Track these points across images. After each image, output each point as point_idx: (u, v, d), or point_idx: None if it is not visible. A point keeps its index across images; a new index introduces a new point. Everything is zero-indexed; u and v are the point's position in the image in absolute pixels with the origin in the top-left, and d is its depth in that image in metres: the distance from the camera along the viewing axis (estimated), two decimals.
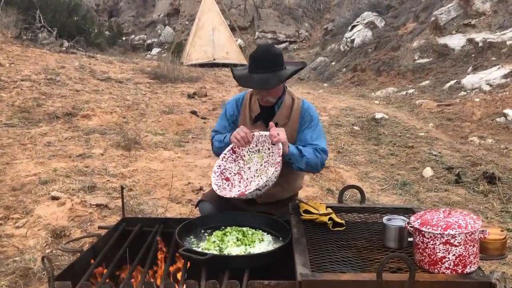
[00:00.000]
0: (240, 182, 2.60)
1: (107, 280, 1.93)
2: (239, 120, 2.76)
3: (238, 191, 2.52)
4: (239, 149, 2.59)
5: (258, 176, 2.55)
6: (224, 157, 2.60)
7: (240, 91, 9.71)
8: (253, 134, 2.55)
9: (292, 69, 2.58)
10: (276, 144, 2.43)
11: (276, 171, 2.34)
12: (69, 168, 4.83)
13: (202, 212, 2.72)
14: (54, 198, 4.04)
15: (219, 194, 2.48)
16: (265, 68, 2.49)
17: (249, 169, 2.60)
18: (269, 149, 2.54)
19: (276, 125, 2.58)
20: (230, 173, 2.61)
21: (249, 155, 2.58)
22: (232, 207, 2.71)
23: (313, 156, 2.53)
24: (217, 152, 2.73)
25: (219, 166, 2.59)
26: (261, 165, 2.56)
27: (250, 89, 2.79)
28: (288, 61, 2.68)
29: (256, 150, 2.57)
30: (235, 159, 2.61)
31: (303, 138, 2.64)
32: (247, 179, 2.59)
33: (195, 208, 2.89)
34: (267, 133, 2.51)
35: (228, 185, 2.59)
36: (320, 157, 2.56)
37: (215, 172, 2.58)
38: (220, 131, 2.80)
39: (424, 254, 1.78)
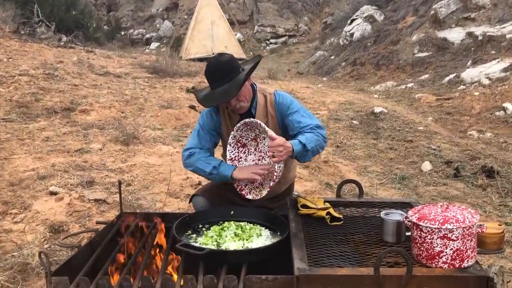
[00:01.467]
0: (255, 149, 2.58)
1: (104, 275, 1.93)
2: (221, 128, 2.70)
3: (253, 160, 2.55)
4: (252, 122, 2.47)
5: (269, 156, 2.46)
6: (238, 128, 2.51)
7: None
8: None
9: (248, 68, 2.54)
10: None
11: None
12: (67, 163, 4.82)
13: (196, 206, 2.71)
14: (52, 193, 4.03)
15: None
16: (221, 79, 2.46)
17: (264, 139, 2.54)
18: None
19: None
20: (247, 139, 2.58)
21: (263, 127, 2.44)
22: (225, 200, 2.71)
23: (315, 140, 2.43)
24: (196, 170, 2.60)
25: (234, 136, 2.55)
26: None
27: None
28: (247, 59, 2.65)
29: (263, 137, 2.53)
30: (250, 128, 2.54)
31: (292, 126, 2.57)
32: (260, 151, 2.57)
33: (189, 202, 2.88)
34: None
35: (244, 153, 2.58)
36: (320, 135, 2.49)
37: (230, 144, 2.55)
38: (195, 146, 2.63)
39: (422, 248, 1.78)
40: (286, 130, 2.63)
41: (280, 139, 2.31)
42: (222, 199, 2.71)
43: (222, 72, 2.47)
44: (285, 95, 2.69)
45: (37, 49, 10.43)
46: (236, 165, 2.56)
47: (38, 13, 13.26)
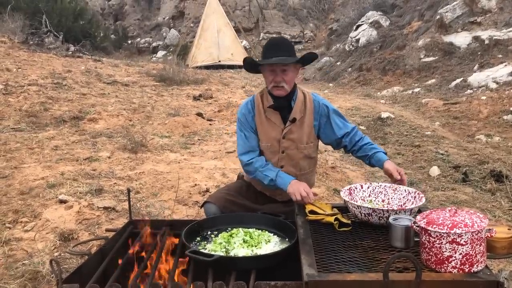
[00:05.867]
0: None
1: (115, 282, 1.95)
2: (255, 121, 2.78)
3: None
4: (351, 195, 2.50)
5: None
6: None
7: (245, 92, 9.72)
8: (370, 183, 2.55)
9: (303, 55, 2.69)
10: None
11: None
12: (76, 171, 4.86)
13: (207, 213, 2.74)
14: (62, 202, 4.07)
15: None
16: (280, 51, 2.58)
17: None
18: (383, 200, 2.51)
19: (294, 120, 2.70)
20: None
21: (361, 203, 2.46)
22: (237, 207, 2.73)
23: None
24: (256, 178, 2.77)
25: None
26: None
27: (259, 91, 2.84)
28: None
29: (367, 200, 2.52)
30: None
31: (338, 129, 2.81)
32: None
33: (200, 208, 2.92)
34: (386, 184, 2.54)
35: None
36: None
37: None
38: (249, 150, 2.78)
39: (431, 253, 1.78)
40: (320, 126, 2.79)
41: (394, 170, 2.62)
42: (234, 205, 2.74)
43: (284, 46, 2.64)
44: (322, 98, 2.88)
45: (46, 59, 10.55)
46: None
47: (46, 23, 13.43)
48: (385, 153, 2.77)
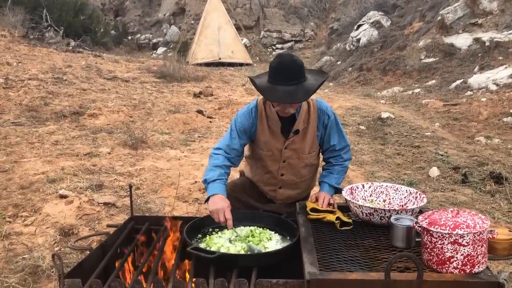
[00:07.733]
0: None
1: (116, 277, 1.95)
2: (257, 133, 2.70)
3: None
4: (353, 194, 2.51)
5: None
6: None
7: (246, 90, 9.72)
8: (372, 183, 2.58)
9: (313, 78, 2.52)
10: None
11: None
12: (76, 166, 4.86)
13: None
14: (62, 197, 4.07)
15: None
16: (289, 79, 2.40)
17: None
18: (384, 200, 2.51)
19: (297, 132, 2.63)
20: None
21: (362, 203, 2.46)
22: (241, 205, 2.74)
23: (343, 173, 2.78)
24: None
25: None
26: None
27: (262, 97, 2.71)
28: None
29: (369, 200, 2.52)
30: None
31: (327, 140, 2.74)
32: None
33: (205, 203, 2.91)
34: (388, 184, 2.58)
35: None
36: (346, 163, 2.81)
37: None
38: (224, 148, 2.66)
39: (432, 253, 1.79)
40: (322, 135, 2.74)
41: (321, 197, 2.52)
42: (238, 203, 2.74)
43: (293, 73, 2.41)
44: (327, 104, 2.77)
45: (46, 53, 10.53)
46: None
47: (46, 18, 13.39)
48: (334, 187, 2.70)
